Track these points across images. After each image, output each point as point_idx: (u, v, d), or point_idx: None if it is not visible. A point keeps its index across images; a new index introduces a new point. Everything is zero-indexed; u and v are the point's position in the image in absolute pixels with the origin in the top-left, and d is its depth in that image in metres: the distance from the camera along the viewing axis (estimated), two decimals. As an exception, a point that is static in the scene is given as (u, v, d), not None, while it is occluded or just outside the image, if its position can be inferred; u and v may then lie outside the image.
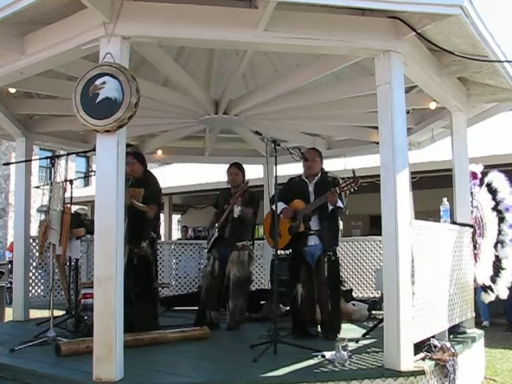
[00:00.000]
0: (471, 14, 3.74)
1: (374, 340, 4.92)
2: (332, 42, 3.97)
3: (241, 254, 5.85)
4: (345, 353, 3.98)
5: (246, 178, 6.10)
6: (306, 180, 5.43)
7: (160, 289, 7.60)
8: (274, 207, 5.11)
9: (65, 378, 3.69)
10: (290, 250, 5.49)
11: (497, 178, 5.49)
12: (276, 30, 3.81)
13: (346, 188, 4.95)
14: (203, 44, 4.65)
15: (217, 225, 5.98)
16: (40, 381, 3.76)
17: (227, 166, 6.21)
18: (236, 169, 6.08)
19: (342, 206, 5.10)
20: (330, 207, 5.10)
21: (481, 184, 5.58)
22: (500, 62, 4.46)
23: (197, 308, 6.08)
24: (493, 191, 5.45)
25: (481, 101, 5.59)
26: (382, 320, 4.50)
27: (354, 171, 4.98)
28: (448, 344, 4.27)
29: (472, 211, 5.43)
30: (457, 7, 3.64)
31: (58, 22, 4.09)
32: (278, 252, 4.81)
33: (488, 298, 5.36)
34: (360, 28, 3.96)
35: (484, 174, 5.68)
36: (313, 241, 5.24)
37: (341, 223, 5.45)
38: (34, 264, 7.17)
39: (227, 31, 3.90)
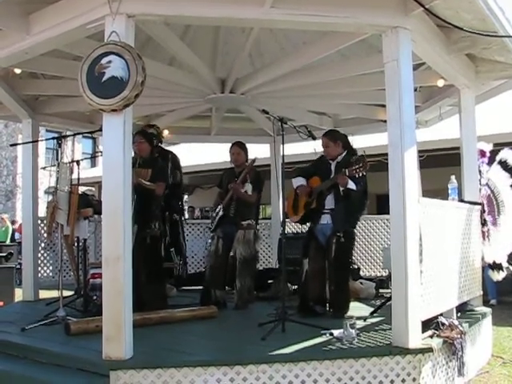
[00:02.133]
0: (481, -12, 3.69)
1: (381, 318, 4.94)
2: (339, 18, 3.92)
3: (246, 232, 5.85)
4: (353, 331, 3.99)
5: (253, 156, 6.08)
6: (330, 160, 5.45)
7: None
8: (293, 181, 5.12)
9: (75, 357, 3.72)
10: (302, 228, 5.53)
11: None
12: (282, 6, 3.78)
13: (354, 171, 4.92)
14: (209, 21, 4.60)
15: (221, 204, 5.98)
16: (50, 359, 3.79)
17: (232, 145, 6.19)
18: (238, 148, 6.05)
19: (353, 187, 5.04)
20: (341, 189, 5.09)
21: (490, 162, 5.54)
22: (510, 37, 4.40)
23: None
24: (509, 169, 5.42)
25: (489, 78, 5.54)
26: (389, 298, 4.51)
27: (363, 154, 4.95)
28: (456, 322, 4.29)
29: (480, 189, 5.40)
30: (466, -19, 3.59)
31: (63, 1, 4.05)
32: (286, 231, 4.82)
33: (497, 276, 5.36)
34: (367, 4, 3.90)
35: (492, 152, 5.64)
36: (325, 220, 5.28)
37: (367, 203, 5.45)
38: (43, 245, 7.21)
39: (233, 8, 3.86)
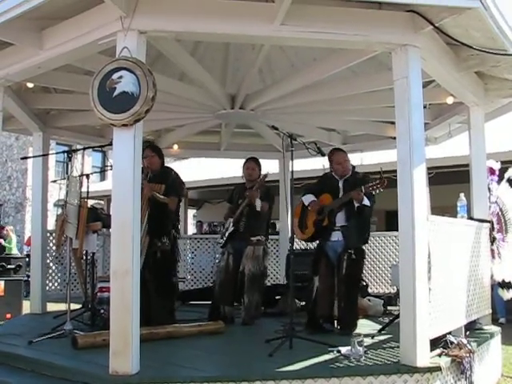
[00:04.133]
0: (490, 6, 3.70)
1: (389, 336, 4.90)
2: (349, 35, 3.94)
3: (255, 248, 5.84)
4: (360, 348, 3.97)
5: (263, 171, 6.08)
6: (337, 176, 5.45)
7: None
8: (303, 198, 5.13)
9: (82, 371, 3.71)
10: (310, 244, 5.51)
11: None
12: (292, 24, 3.79)
13: (371, 188, 4.93)
14: (220, 38, 4.65)
15: (231, 219, 5.98)
16: (57, 373, 3.79)
17: (243, 160, 6.20)
18: (253, 163, 6.08)
19: (368, 204, 5.07)
20: (356, 205, 5.10)
21: (499, 180, 5.52)
22: (519, 55, 4.41)
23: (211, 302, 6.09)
24: None
25: (499, 96, 5.53)
26: (397, 316, 4.49)
27: (381, 171, 4.94)
28: (464, 340, 4.24)
29: (490, 207, 5.38)
30: (476, 0, 3.60)
31: (76, 17, 4.10)
32: (294, 247, 4.82)
33: (507, 295, 5.32)
34: (377, 22, 3.93)
35: (502, 169, 5.63)
36: (336, 236, 5.26)
37: (374, 219, 5.44)
38: (51, 258, 7.23)
39: (244, 25, 3.90)
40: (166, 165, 5.84)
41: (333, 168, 5.49)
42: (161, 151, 5.81)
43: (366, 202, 5.07)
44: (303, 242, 7.88)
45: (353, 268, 5.15)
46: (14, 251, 13.43)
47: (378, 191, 4.90)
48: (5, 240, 13.89)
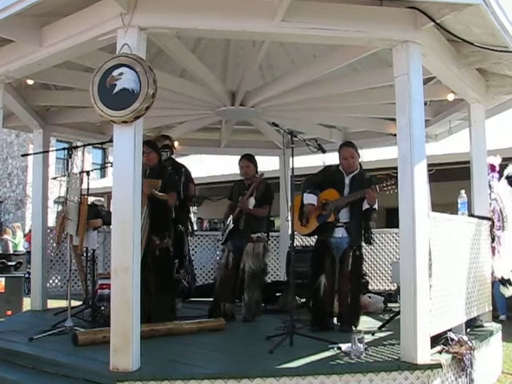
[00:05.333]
0: (492, 3, 3.69)
1: (390, 333, 4.90)
2: (350, 32, 3.94)
3: (256, 245, 5.83)
4: (361, 345, 3.96)
5: (262, 169, 6.06)
6: (343, 171, 5.31)
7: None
8: (305, 196, 5.15)
9: (82, 367, 3.72)
10: (310, 241, 5.46)
11: None
12: (293, 20, 3.79)
13: (386, 189, 4.86)
14: (220, 35, 4.64)
15: (231, 217, 5.98)
16: (58, 370, 3.80)
17: (241, 157, 6.19)
18: (247, 161, 6.04)
19: (377, 208, 5.06)
20: (366, 206, 5.05)
21: (500, 176, 5.52)
22: (521, 52, 4.39)
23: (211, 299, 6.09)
24: None
25: (500, 92, 5.52)
26: (398, 313, 4.48)
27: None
28: (465, 337, 4.24)
29: (490, 204, 5.38)
30: (477, -4, 3.59)
31: (76, 14, 4.09)
32: (295, 243, 4.80)
33: (507, 292, 5.31)
34: (378, 18, 3.92)
35: (502, 166, 5.62)
36: (340, 233, 5.18)
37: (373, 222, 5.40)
38: (52, 255, 7.23)
39: (245, 22, 3.89)
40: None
41: (340, 162, 5.35)
42: (157, 147, 5.79)
43: (376, 205, 5.03)
44: (303, 239, 7.88)
45: (357, 264, 5.17)
46: (20, 248, 13.59)
47: (392, 191, 4.75)
48: (13, 235, 14.07)
